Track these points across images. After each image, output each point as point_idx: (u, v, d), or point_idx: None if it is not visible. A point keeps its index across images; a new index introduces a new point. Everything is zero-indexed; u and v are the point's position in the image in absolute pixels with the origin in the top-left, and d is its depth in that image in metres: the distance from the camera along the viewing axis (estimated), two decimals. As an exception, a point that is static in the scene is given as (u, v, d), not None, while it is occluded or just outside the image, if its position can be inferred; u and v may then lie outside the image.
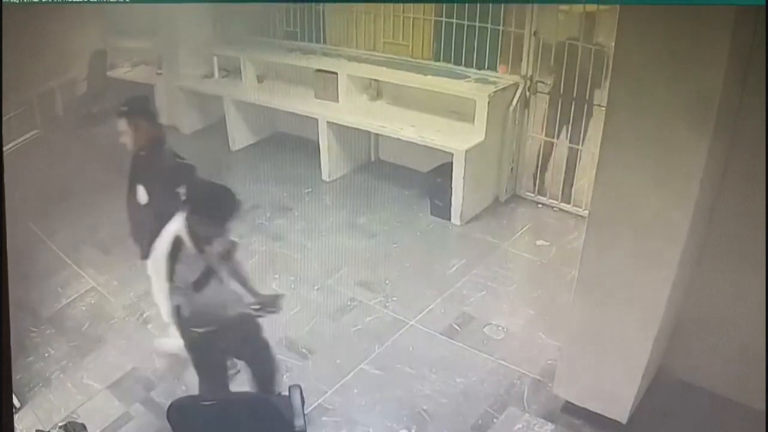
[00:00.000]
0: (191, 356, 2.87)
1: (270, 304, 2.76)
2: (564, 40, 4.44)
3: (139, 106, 3.17)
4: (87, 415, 3.26)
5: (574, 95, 4.47)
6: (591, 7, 4.31)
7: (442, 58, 5.06)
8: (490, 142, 4.64)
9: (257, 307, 2.75)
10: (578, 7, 4.38)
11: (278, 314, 2.80)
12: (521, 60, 4.67)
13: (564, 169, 4.72)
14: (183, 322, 2.72)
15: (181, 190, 3.04)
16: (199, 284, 2.65)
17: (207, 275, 2.67)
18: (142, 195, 3.08)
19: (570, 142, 4.64)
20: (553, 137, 4.70)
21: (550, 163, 4.83)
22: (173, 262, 2.61)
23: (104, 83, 6.03)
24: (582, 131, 4.58)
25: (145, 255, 3.20)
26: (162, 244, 2.64)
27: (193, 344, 2.82)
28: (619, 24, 2.45)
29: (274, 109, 5.53)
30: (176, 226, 2.64)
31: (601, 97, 4.23)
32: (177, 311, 2.69)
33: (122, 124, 3.07)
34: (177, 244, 2.61)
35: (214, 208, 2.62)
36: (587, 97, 4.46)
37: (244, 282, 2.86)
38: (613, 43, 2.55)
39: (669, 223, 2.54)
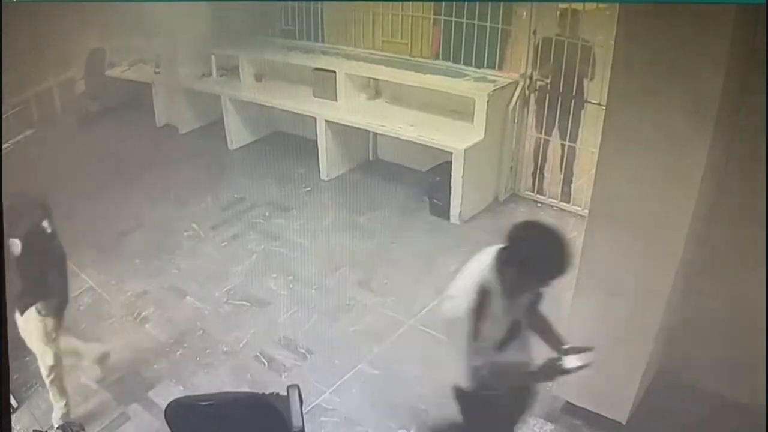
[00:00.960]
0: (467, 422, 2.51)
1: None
2: (554, 37, 4.44)
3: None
4: (84, 415, 3.25)
5: (571, 92, 4.46)
6: (585, 5, 4.31)
7: (441, 57, 5.05)
8: (489, 141, 4.63)
9: (568, 364, 2.25)
10: (575, 4, 4.37)
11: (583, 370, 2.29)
12: (520, 58, 4.66)
13: (561, 168, 4.72)
14: (481, 385, 2.29)
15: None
16: (505, 341, 2.30)
17: (513, 330, 2.32)
18: (14, 248, 3.00)
19: (563, 139, 4.64)
20: (548, 134, 4.70)
21: (548, 161, 4.83)
22: (479, 317, 2.18)
23: (102, 82, 6.03)
24: (575, 128, 4.57)
25: (24, 308, 3.05)
26: (460, 298, 2.21)
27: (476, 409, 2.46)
28: (619, 23, 2.44)
29: (273, 108, 5.52)
30: (479, 275, 2.21)
31: (600, 96, 4.21)
32: (476, 373, 2.25)
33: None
34: (484, 297, 2.18)
35: (550, 264, 2.10)
36: (579, 94, 4.46)
37: (548, 334, 2.43)
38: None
39: (669, 223, 2.53)
